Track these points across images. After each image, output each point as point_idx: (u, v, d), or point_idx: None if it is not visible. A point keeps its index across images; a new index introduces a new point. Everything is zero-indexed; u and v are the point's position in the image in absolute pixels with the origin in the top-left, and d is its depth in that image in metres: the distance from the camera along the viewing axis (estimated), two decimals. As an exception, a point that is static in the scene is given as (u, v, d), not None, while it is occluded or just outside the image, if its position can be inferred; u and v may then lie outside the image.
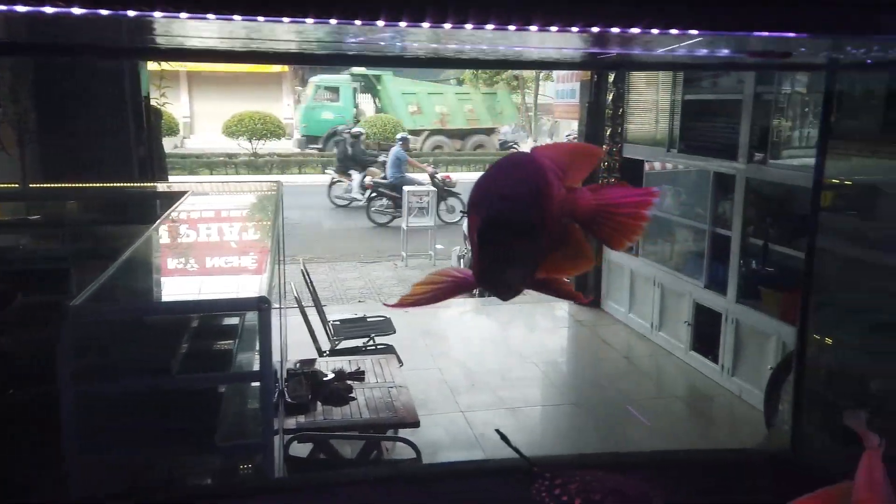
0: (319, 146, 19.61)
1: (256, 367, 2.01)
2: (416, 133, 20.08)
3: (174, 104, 21.57)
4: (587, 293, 6.88)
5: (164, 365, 1.80)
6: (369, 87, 21.41)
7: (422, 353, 5.59)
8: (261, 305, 1.82)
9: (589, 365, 5.74)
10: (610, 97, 6.09)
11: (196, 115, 24.29)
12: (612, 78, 6.05)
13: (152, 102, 7.52)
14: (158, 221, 2.94)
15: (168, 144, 20.03)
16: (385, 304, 1.24)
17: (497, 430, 1.57)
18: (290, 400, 3.18)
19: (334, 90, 20.32)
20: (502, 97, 21.68)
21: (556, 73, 8.93)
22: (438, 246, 9.90)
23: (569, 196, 1.12)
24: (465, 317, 6.93)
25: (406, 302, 1.04)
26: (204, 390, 1.94)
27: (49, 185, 4.33)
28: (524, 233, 0.87)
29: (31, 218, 4.09)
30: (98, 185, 4.22)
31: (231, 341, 2.43)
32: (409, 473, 1.87)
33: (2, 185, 4.14)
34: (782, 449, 1.91)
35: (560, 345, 6.11)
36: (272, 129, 18.95)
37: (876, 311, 2.29)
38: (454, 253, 8.66)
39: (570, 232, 1.18)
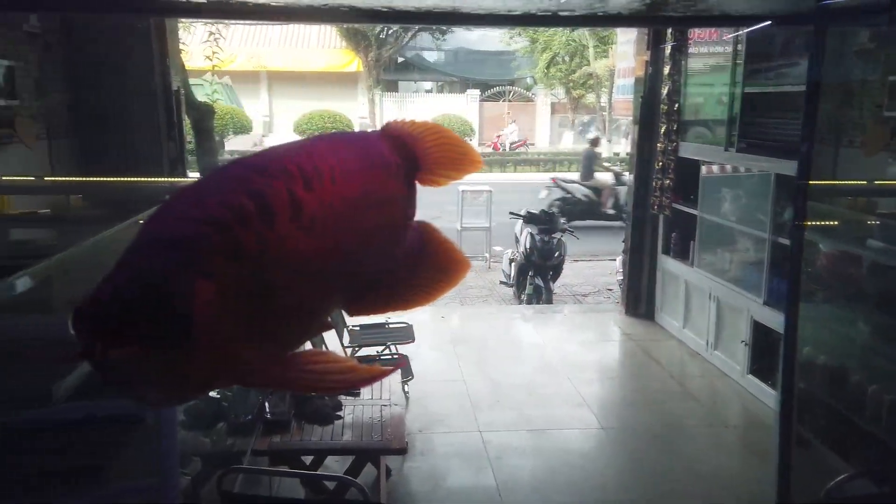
0: None
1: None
2: None
3: (255, 103, 22.23)
4: (639, 303, 6.37)
5: (44, 391, 1.58)
6: None
7: (450, 363, 5.28)
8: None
9: (631, 384, 5.25)
10: (665, 91, 5.56)
11: (275, 114, 24.85)
12: (667, 71, 5.52)
13: (205, 100, 7.54)
14: (131, 220, 2.76)
15: (247, 142, 20.62)
16: None
17: None
18: (269, 417, 2.94)
19: None
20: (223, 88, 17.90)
21: (617, 68, 8.38)
22: (496, 247, 9.55)
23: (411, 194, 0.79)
24: (507, 324, 6.56)
25: None
26: (100, 419, 1.72)
27: (58, 179, 4.29)
28: (166, 333, 0.49)
29: (40, 212, 4.05)
30: (106, 179, 4.14)
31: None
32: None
33: (15, 177, 4.13)
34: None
35: (602, 360, 5.63)
36: (341, 129, 19.07)
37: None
38: (506, 256, 8.30)
39: (425, 234, 0.85)
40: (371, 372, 0.71)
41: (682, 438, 4.25)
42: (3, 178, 4.17)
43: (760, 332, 4.70)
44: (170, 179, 5.08)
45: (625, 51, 7.44)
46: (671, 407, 4.70)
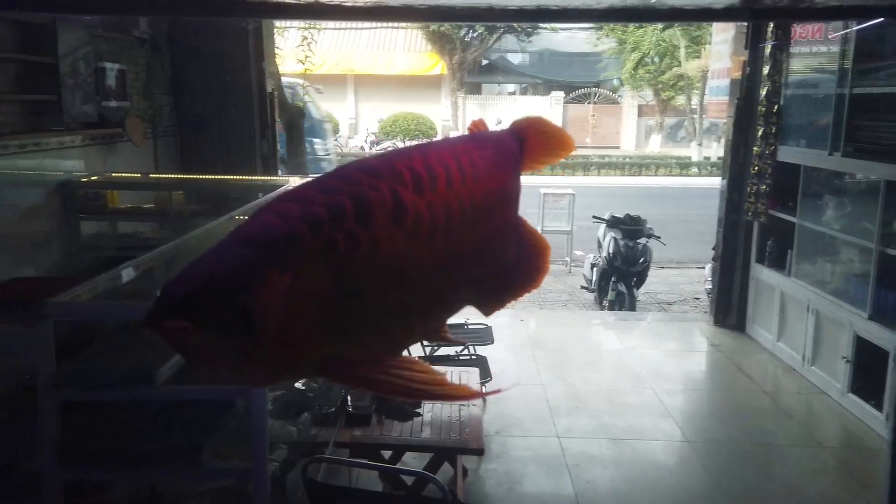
0: None
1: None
2: None
3: (341, 105, 22.84)
4: (729, 314, 6.10)
5: (147, 373, 1.67)
6: None
7: (528, 366, 5.23)
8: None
9: (719, 397, 5.03)
10: (764, 92, 5.30)
11: (360, 116, 25.45)
12: (766, 71, 5.26)
13: (297, 102, 7.82)
14: (226, 216, 2.89)
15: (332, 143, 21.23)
16: None
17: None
18: (350, 410, 3.00)
19: None
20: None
21: (711, 68, 8.06)
22: (577, 252, 9.40)
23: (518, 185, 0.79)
24: (587, 330, 6.44)
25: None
26: (196, 402, 1.80)
27: (161, 176, 4.54)
28: (231, 324, 0.53)
29: (144, 207, 4.31)
30: (204, 177, 4.35)
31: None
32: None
33: (124, 174, 4.42)
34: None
35: (688, 371, 5.43)
36: (424, 130, 19.31)
37: None
38: (587, 260, 8.13)
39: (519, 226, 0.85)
40: (459, 391, 0.70)
41: (774, 457, 4.03)
42: (114, 174, 4.47)
43: (864, 349, 4.39)
44: (263, 178, 5.30)
45: (720, 50, 7.16)
46: (762, 423, 4.47)
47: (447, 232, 0.63)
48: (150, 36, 4.97)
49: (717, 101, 7.37)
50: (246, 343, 0.54)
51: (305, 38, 7.85)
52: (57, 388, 1.58)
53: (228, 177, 4.77)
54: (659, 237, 7.45)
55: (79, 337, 2.09)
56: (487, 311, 0.81)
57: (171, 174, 4.94)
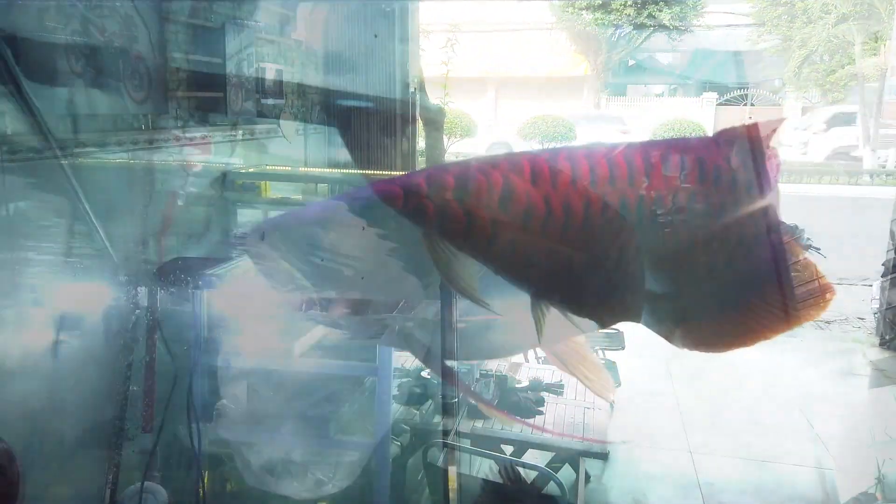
0: None
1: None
2: None
3: (481, 107, 23.11)
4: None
5: (284, 348, 1.78)
6: None
7: (662, 376, 4.99)
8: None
9: (883, 427, 4.50)
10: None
11: (500, 119, 25.56)
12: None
13: (438, 102, 8.03)
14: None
15: (470, 146, 21.52)
16: None
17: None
18: (473, 402, 3.02)
19: None
20: None
21: (890, 65, 7.22)
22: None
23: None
24: (729, 344, 6.02)
25: None
26: (327, 377, 1.89)
27: (308, 169, 4.82)
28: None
29: (292, 198, 4.59)
30: (348, 171, 4.56)
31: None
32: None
33: (276, 167, 4.74)
34: None
35: (846, 395, 4.92)
36: (563, 133, 19.03)
37: None
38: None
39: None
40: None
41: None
42: (267, 167, 4.82)
43: None
44: (401, 174, 5.48)
45: (901, 43, 6.41)
46: (932, 461, 3.95)
47: (569, 222, 0.65)
48: (306, 38, 5.30)
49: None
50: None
51: (449, 39, 8.03)
52: (205, 353, 1.73)
53: (369, 171, 4.99)
54: (818, 248, 6.76)
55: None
56: (686, 344, 0.80)
57: (318, 168, 5.24)
